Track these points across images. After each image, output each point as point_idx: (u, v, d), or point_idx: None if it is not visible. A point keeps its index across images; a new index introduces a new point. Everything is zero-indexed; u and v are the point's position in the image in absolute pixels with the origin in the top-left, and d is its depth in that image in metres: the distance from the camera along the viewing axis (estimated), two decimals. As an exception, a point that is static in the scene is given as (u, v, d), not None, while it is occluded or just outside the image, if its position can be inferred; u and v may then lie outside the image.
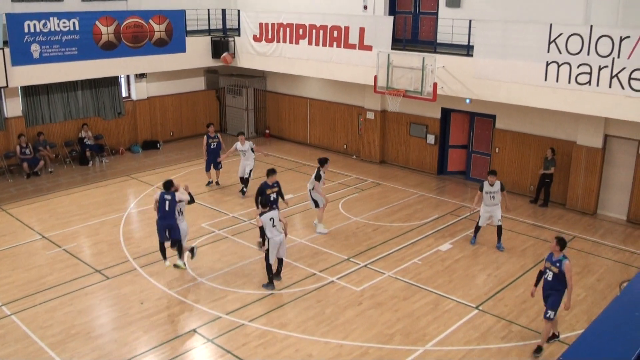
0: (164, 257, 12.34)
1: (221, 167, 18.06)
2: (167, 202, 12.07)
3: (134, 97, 22.41)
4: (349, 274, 12.65)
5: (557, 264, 9.60)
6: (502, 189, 13.73)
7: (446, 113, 19.07)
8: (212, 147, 17.71)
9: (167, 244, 12.33)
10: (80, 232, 14.81)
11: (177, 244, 12.23)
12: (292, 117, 23.61)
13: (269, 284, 11.97)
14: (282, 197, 13.92)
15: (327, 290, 11.94)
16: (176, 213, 12.19)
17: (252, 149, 17.05)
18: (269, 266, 11.91)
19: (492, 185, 13.64)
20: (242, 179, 17.27)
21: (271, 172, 13.79)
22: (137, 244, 13.98)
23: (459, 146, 19.23)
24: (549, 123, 16.69)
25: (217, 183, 18.22)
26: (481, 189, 13.73)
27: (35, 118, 19.72)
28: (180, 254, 12.26)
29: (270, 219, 11.63)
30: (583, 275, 12.64)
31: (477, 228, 14.16)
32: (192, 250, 12.68)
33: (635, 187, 15.47)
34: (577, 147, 16.13)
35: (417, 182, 18.47)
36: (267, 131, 24.65)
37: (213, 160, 17.79)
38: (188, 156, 21.53)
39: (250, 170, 17.10)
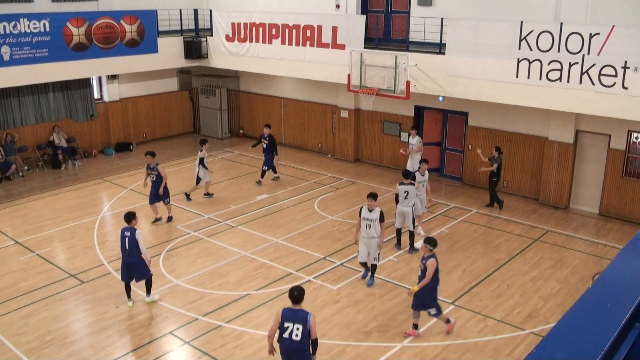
0: (128, 297, 11.36)
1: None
2: (126, 240, 10.97)
3: (106, 98, 22.18)
4: (325, 273, 12.67)
5: None
6: (380, 219, 11.43)
7: (419, 111, 19.19)
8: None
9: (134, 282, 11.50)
10: (54, 237, 14.63)
11: (146, 282, 11.35)
12: (266, 117, 23.51)
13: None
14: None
15: (304, 290, 11.92)
16: (135, 249, 10.90)
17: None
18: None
19: (370, 211, 11.47)
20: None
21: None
22: (111, 247, 13.84)
23: (432, 143, 19.36)
24: (521, 119, 16.88)
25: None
26: (360, 214, 11.64)
27: (6, 121, 19.39)
28: (149, 291, 11.42)
29: (405, 192, 13.26)
30: (557, 269, 12.82)
31: (362, 263, 12.09)
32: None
33: (607, 181, 15.74)
34: (549, 142, 16.36)
35: (391, 179, 18.53)
36: (241, 131, 24.57)
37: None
38: (161, 158, 21.31)
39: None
